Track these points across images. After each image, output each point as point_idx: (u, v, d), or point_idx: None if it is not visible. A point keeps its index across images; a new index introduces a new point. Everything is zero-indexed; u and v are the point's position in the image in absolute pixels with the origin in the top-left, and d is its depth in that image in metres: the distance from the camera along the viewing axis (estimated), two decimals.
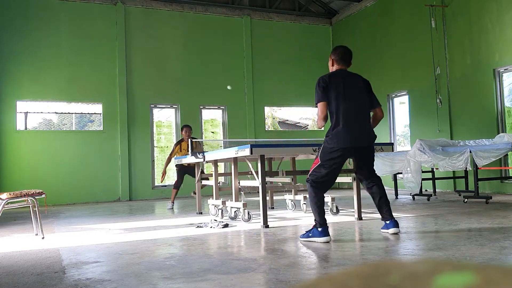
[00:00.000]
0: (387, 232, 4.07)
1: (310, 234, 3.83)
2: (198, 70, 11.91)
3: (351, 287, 0.34)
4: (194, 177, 7.29)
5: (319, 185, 3.92)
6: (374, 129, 4.12)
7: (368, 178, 4.13)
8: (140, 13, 11.53)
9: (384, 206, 4.08)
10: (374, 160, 4.20)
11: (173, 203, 8.19)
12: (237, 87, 12.32)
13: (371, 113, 4.17)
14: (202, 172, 7.15)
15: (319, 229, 3.78)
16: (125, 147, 10.99)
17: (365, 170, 4.13)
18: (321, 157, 3.95)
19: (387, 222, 4.07)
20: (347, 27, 13.00)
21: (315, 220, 3.85)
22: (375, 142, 4.17)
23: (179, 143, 8.30)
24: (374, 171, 4.20)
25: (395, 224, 4.03)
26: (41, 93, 10.56)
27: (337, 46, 4.28)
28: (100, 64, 11.01)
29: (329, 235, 3.78)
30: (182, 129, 8.37)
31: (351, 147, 3.92)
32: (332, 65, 4.13)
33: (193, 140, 7.05)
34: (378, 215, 5.66)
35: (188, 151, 7.59)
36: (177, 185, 8.12)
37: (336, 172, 3.99)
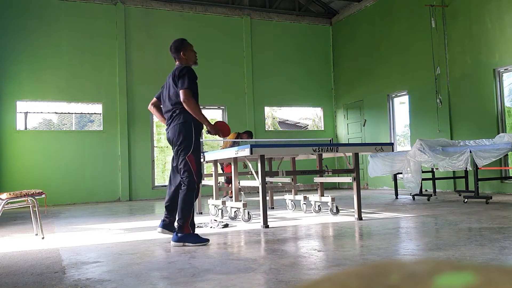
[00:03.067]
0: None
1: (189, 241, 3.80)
2: (198, 70, 11.82)
3: (351, 287, 0.34)
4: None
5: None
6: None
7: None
8: (140, 13, 11.53)
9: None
10: (180, 159, 3.90)
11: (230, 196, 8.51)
12: (237, 87, 12.32)
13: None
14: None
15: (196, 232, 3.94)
16: (125, 147, 10.99)
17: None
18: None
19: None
20: (347, 27, 13.00)
21: (187, 224, 3.84)
22: (179, 139, 3.88)
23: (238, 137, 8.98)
24: (181, 171, 3.91)
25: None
26: (41, 93, 10.56)
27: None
28: (100, 64, 11.01)
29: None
30: (246, 134, 8.89)
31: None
32: None
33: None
34: (378, 215, 5.67)
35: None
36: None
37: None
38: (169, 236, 4.08)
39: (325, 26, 13.60)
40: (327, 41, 13.58)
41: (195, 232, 3.93)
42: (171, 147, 4.07)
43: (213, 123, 4.13)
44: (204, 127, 4.02)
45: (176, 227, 3.86)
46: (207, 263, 3.03)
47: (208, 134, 4.10)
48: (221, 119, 12.38)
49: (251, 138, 8.91)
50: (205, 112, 12.16)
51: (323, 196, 6.08)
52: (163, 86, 4.17)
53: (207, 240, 3.85)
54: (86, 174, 10.59)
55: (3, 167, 10.00)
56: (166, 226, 3.99)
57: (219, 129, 4.09)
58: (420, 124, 10.45)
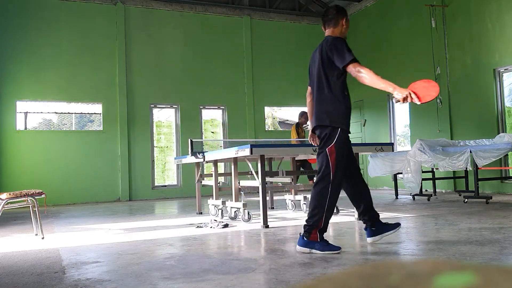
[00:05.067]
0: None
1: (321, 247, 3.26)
2: (198, 70, 11.91)
3: (351, 287, 0.34)
4: (309, 169, 7.99)
5: None
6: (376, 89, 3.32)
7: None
8: (140, 13, 11.53)
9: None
10: (321, 153, 3.36)
11: None
12: (237, 87, 12.32)
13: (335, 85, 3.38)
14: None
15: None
16: (125, 147, 10.99)
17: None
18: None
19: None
20: None
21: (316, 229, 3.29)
22: (325, 125, 3.35)
23: (298, 126, 9.01)
24: (320, 170, 3.36)
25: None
26: (41, 93, 10.56)
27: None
28: (100, 64, 11.01)
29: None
30: (302, 115, 8.99)
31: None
32: None
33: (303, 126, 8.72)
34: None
35: (298, 135, 8.73)
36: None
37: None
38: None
39: None
40: None
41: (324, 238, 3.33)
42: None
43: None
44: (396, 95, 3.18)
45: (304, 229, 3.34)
46: (207, 263, 3.03)
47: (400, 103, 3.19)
48: (224, 120, 12.34)
49: (301, 116, 9.02)
50: (205, 112, 12.23)
51: None
52: (309, 67, 3.64)
53: (339, 248, 3.26)
54: (86, 174, 10.59)
55: (3, 167, 10.00)
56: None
57: (416, 92, 3.14)
58: (420, 124, 10.45)
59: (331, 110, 3.34)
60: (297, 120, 9.18)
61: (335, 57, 3.31)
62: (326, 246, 3.24)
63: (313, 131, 3.55)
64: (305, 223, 3.32)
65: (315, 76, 3.46)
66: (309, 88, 3.64)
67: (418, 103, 3.13)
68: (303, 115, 9.02)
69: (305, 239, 3.27)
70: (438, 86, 3.20)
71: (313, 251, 3.23)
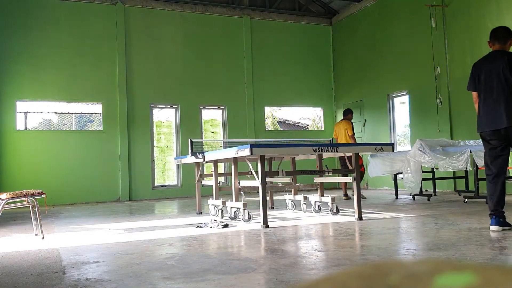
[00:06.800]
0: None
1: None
2: (198, 70, 11.91)
3: (351, 287, 0.34)
4: (346, 167, 7.94)
5: None
6: None
7: None
8: (140, 13, 11.53)
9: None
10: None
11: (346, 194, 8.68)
12: (237, 87, 12.32)
13: None
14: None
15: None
16: (125, 147, 10.99)
17: None
18: None
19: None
20: (347, 27, 13.00)
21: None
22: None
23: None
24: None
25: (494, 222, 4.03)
26: (41, 93, 10.56)
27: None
28: (100, 64, 11.01)
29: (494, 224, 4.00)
30: (350, 112, 9.01)
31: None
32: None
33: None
34: (378, 215, 5.66)
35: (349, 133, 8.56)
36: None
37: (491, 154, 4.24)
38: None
39: (325, 26, 13.60)
40: (327, 41, 13.58)
41: None
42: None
43: None
44: None
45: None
46: (207, 263, 3.03)
47: None
48: (224, 120, 12.34)
49: (351, 113, 9.01)
50: (205, 112, 12.23)
51: (323, 196, 6.08)
52: (477, 75, 4.34)
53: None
54: (86, 174, 10.59)
55: (3, 167, 10.00)
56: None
57: None
58: (420, 124, 10.45)
59: None
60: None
61: None
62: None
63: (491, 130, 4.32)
64: (499, 209, 4.01)
65: (501, 81, 4.14)
66: (475, 94, 4.61)
67: None
68: (351, 112, 9.00)
69: (502, 220, 3.99)
70: None
71: (506, 227, 3.98)
